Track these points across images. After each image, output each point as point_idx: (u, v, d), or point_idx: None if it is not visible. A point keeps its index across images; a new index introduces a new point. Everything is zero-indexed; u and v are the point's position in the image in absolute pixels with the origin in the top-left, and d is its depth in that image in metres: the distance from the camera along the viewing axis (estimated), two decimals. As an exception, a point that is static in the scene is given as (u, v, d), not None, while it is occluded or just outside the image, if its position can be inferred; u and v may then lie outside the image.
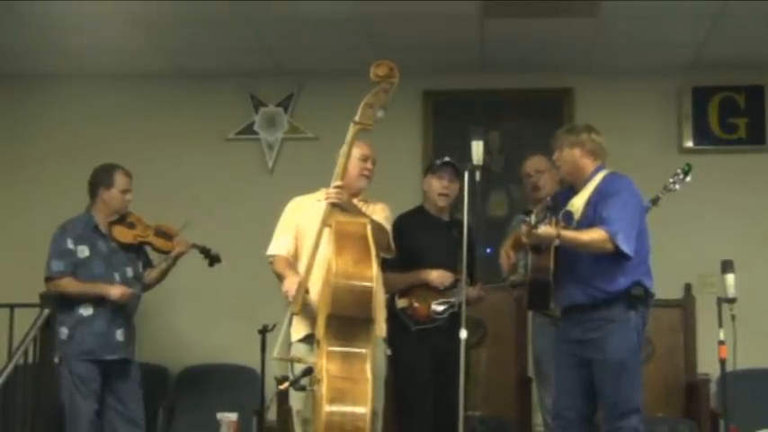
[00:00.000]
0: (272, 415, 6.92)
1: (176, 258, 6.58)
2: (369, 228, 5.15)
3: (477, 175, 5.52)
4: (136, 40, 7.54)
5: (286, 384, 5.20)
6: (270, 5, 6.88)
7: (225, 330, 7.37)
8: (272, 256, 5.72)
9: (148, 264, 6.72)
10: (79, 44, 7.62)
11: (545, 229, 5.19)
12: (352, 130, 5.34)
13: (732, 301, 5.46)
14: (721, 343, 5.43)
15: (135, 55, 7.84)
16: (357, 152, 5.64)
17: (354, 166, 5.66)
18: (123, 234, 6.55)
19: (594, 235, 5.33)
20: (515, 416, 7.44)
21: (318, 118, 7.86)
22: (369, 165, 5.75)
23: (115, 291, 6.35)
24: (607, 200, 5.42)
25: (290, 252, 5.67)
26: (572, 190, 5.74)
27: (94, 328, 6.33)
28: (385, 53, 7.42)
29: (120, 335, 6.39)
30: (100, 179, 6.58)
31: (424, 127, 8.16)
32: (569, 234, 5.32)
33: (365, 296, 4.93)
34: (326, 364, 4.87)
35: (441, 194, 6.30)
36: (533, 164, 6.52)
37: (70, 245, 6.42)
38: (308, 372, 5.02)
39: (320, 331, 5.01)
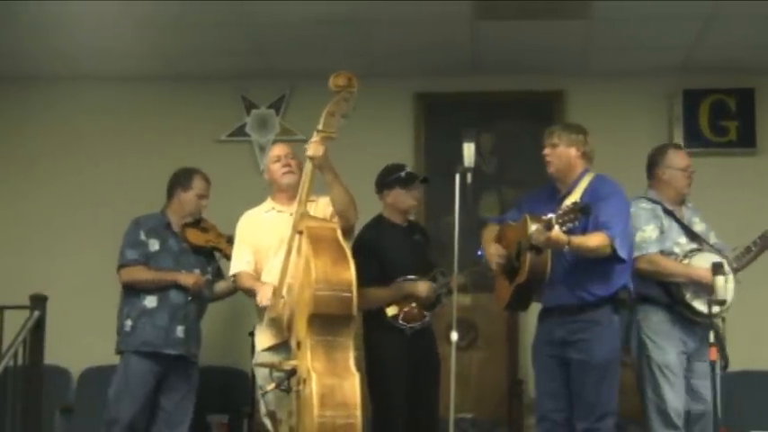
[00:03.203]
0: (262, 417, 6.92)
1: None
2: (338, 231, 5.28)
3: (469, 178, 5.54)
4: (128, 42, 7.54)
5: (272, 386, 5.23)
6: (261, 7, 6.88)
7: (215, 332, 7.35)
8: (235, 274, 5.87)
9: (219, 274, 6.72)
10: (71, 46, 7.61)
11: (558, 234, 5.13)
12: (316, 137, 5.45)
13: (722, 302, 5.46)
14: (712, 345, 5.43)
15: (126, 56, 7.83)
16: (271, 157, 5.95)
17: (275, 171, 5.88)
18: (196, 236, 6.62)
19: (599, 240, 5.33)
20: (507, 418, 7.44)
21: (310, 120, 7.73)
22: (286, 161, 5.88)
23: (188, 278, 6.45)
24: (601, 203, 5.40)
25: (251, 267, 5.79)
26: (550, 190, 5.75)
27: (156, 320, 6.38)
28: (377, 55, 7.50)
29: (180, 331, 6.42)
30: (179, 181, 6.67)
31: (415, 129, 8.16)
32: (578, 240, 5.30)
33: (347, 296, 5.02)
34: (312, 363, 4.91)
35: (413, 207, 6.40)
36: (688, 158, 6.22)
37: (143, 236, 6.52)
38: (292, 373, 5.07)
39: (301, 333, 5.05)
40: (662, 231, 5.89)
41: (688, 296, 5.73)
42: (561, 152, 5.66)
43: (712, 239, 5.98)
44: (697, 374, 5.83)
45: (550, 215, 5.13)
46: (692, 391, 5.81)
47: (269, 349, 5.63)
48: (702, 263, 5.70)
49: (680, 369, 5.76)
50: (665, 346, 5.76)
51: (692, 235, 5.93)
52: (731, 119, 7.94)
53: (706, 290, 5.62)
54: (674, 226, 5.93)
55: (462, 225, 5.54)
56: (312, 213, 5.52)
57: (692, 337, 5.76)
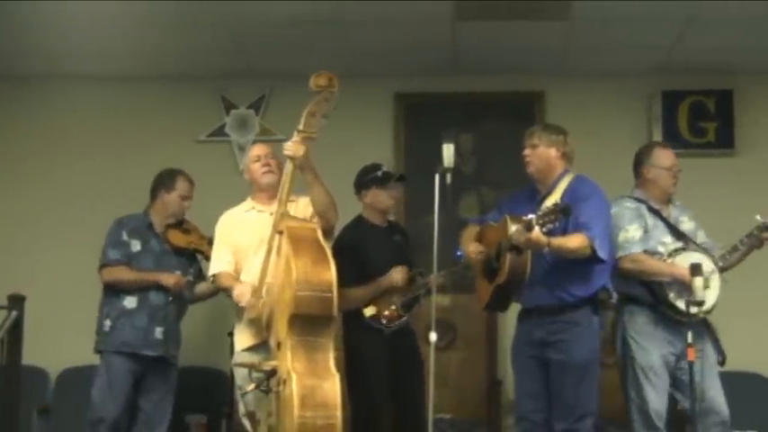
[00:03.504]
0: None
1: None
2: (319, 231, 5.28)
3: (448, 178, 5.54)
4: (107, 42, 7.53)
5: (252, 386, 5.23)
6: (241, 7, 6.86)
7: (194, 333, 7.34)
8: (215, 274, 5.86)
9: (201, 276, 6.70)
10: (52, 45, 7.59)
11: (538, 235, 5.13)
12: (296, 137, 5.46)
13: (700, 303, 5.46)
14: (690, 345, 5.44)
15: (106, 56, 7.82)
16: (251, 156, 5.94)
17: (255, 170, 5.88)
18: (178, 238, 6.61)
19: (579, 241, 5.34)
20: (485, 418, 7.45)
21: (290, 120, 7.70)
22: (266, 161, 5.88)
23: (169, 278, 6.43)
24: (581, 204, 5.41)
25: (231, 267, 5.79)
26: (530, 190, 5.76)
27: (135, 321, 6.38)
28: (357, 55, 7.49)
29: (159, 333, 6.41)
30: (163, 181, 6.66)
31: (395, 129, 8.16)
32: (558, 241, 5.30)
33: (327, 297, 5.01)
34: (292, 363, 4.90)
35: (392, 206, 6.43)
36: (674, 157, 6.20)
37: (125, 237, 6.51)
38: (272, 374, 5.06)
39: (281, 333, 5.04)
40: (646, 231, 5.90)
41: (671, 296, 5.73)
42: (541, 153, 5.67)
43: (700, 238, 5.98)
44: (698, 372, 5.82)
45: (531, 216, 5.12)
46: (686, 390, 5.79)
47: (248, 349, 5.63)
48: (686, 262, 5.68)
49: (663, 371, 5.76)
50: (649, 347, 5.76)
51: (677, 234, 5.93)
52: (710, 120, 7.96)
53: (689, 289, 5.63)
54: (660, 225, 5.93)
55: (442, 225, 5.53)
56: (292, 213, 5.51)
57: (678, 336, 5.71)
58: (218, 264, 5.84)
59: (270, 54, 7.76)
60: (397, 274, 6.16)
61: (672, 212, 6.04)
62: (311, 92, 5.43)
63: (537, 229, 5.10)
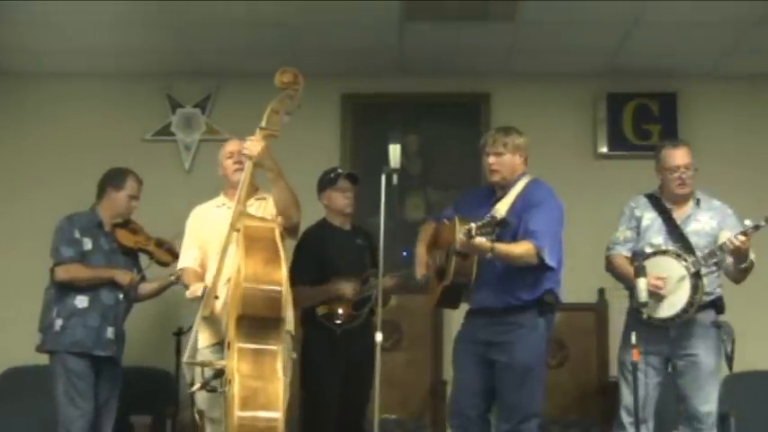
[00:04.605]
0: (186, 417, 6.87)
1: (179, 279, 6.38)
2: (277, 231, 5.21)
3: (395, 179, 5.54)
4: (53, 40, 7.47)
5: (197, 386, 5.20)
6: (188, 6, 6.84)
7: (139, 333, 7.30)
8: (181, 269, 5.82)
9: (143, 277, 6.65)
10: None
11: (481, 241, 5.15)
12: (258, 135, 5.42)
13: (644, 305, 5.50)
14: (634, 347, 5.48)
15: (52, 55, 7.75)
16: (224, 152, 5.86)
17: (227, 167, 5.83)
18: (125, 237, 6.55)
19: (525, 249, 5.36)
20: (431, 418, 7.47)
21: (236, 119, 7.78)
22: (238, 158, 5.79)
23: (125, 276, 6.39)
24: (532, 210, 5.44)
25: (197, 264, 5.74)
26: (488, 190, 5.78)
27: (87, 321, 6.30)
28: (303, 55, 7.47)
29: (111, 333, 6.35)
30: (111, 180, 6.58)
31: (342, 130, 8.13)
32: (503, 248, 5.31)
33: (275, 298, 4.97)
34: (238, 364, 4.87)
35: (346, 205, 6.42)
36: (685, 156, 6.06)
37: (77, 234, 6.42)
38: (220, 374, 5.04)
39: (230, 333, 5.01)
40: (638, 232, 5.97)
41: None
42: (507, 161, 5.63)
43: (722, 238, 5.73)
44: (678, 374, 5.88)
45: (472, 224, 5.14)
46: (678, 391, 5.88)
47: (208, 347, 5.57)
48: (654, 266, 5.73)
49: (646, 368, 5.75)
50: (627, 345, 5.77)
51: (676, 235, 5.90)
52: (654, 122, 8.02)
53: (655, 294, 5.68)
54: (656, 225, 5.96)
55: (387, 226, 5.55)
56: (262, 212, 5.52)
57: (654, 335, 5.73)
58: (185, 259, 5.80)
59: (216, 53, 7.74)
60: (349, 288, 6.21)
61: (688, 211, 5.99)
62: (276, 89, 5.39)
63: (479, 238, 5.13)
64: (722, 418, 6.92)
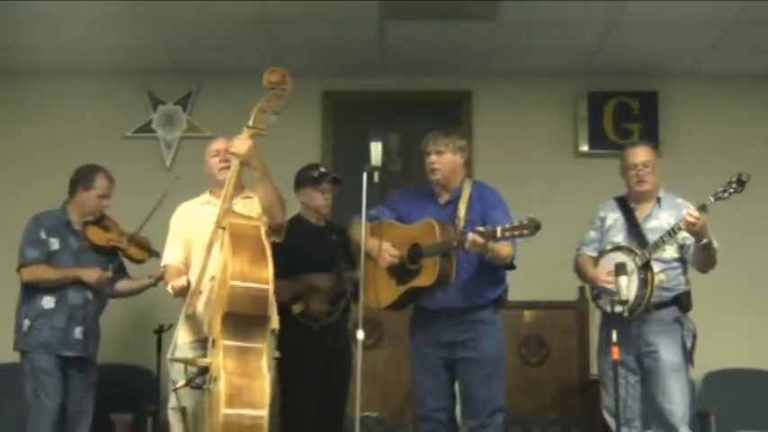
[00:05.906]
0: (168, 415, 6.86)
1: (159, 280, 6.38)
2: (263, 229, 5.19)
3: (376, 176, 5.54)
4: (36, 37, 7.45)
5: (182, 383, 5.19)
6: (169, 4, 6.83)
7: (119, 330, 7.29)
8: (165, 265, 5.79)
9: (123, 273, 6.65)
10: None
11: (493, 244, 5.24)
12: (245, 134, 5.39)
13: (625, 303, 5.50)
14: (614, 344, 5.49)
15: (34, 51, 7.74)
16: (210, 151, 5.81)
17: (213, 165, 5.78)
18: (97, 235, 6.51)
19: (508, 250, 5.46)
20: (411, 416, 7.46)
21: (217, 117, 7.79)
22: (224, 156, 5.74)
23: (92, 274, 6.34)
24: (495, 212, 5.53)
25: (181, 261, 5.71)
26: (429, 193, 5.81)
27: (54, 322, 6.28)
28: (285, 53, 7.47)
29: (78, 333, 6.32)
30: (81, 178, 6.54)
31: (323, 128, 8.13)
32: (497, 248, 5.36)
33: (262, 296, 4.95)
34: (223, 361, 4.86)
35: (324, 206, 6.40)
36: (643, 154, 6.09)
37: (43, 235, 6.39)
38: (204, 371, 5.03)
39: (215, 330, 5.00)
40: (603, 232, 6.03)
41: (601, 299, 5.87)
42: (448, 160, 5.72)
43: (682, 236, 5.75)
44: (646, 372, 5.86)
45: (497, 227, 5.16)
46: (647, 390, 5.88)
47: (188, 344, 5.56)
48: (607, 262, 5.78)
49: (623, 371, 5.72)
50: (603, 347, 5.86)
51: (634, 234, 5.93)
52: (635, 121, 8.05)
53: (605, 290, 5.76)
54: (618, 225, 6.01)
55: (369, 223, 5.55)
56: (248, 210, 5.50)
57: (623, 334, 5.63)
58: (168, 256, 5.77)
59: (197, 50, 7.73)
60: (325, 279, 6.20)
61: (649, 210, 6.02)
62: (263, 88, 5.37)
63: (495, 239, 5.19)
64: (702, 416, 6.97)
